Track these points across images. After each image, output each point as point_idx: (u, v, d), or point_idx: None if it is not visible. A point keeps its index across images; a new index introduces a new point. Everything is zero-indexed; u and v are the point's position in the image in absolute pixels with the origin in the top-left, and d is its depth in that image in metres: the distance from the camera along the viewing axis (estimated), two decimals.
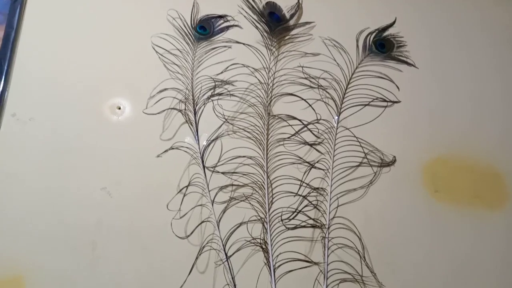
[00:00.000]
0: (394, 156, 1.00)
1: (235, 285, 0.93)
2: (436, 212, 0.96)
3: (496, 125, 1.03)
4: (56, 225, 0.98)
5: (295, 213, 0.96)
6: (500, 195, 0.98)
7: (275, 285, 0.92)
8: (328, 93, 1.05)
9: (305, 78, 1.06)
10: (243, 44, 1.10)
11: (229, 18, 1.13)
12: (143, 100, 1.06)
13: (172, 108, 1.05)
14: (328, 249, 0.94)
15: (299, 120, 1.03)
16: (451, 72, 1.08)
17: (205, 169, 1.00)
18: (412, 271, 0.93)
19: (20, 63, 1.10)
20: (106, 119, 1.06)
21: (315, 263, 0.93)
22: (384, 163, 1.00)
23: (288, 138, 1.01)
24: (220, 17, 1.13)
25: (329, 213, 0.96)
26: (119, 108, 1.07)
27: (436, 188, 0.98)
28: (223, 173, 0.99)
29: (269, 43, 1.09)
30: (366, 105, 1.04)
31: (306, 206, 0.97)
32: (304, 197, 0.97)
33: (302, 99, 1.04)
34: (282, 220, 0.96)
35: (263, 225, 0.95)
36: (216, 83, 1.06)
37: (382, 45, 1.10)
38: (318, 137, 1.02)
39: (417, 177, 0.99)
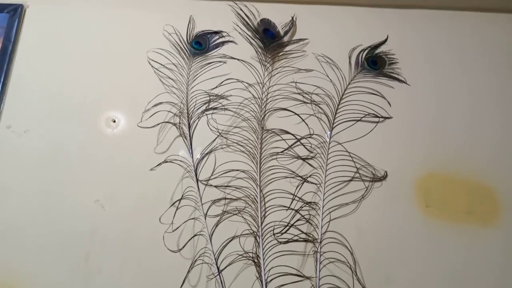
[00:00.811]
0: (386, 171, 1.01)
1: None
2: (428, 227, 0.97)
3: (488, 140, 1.04)
4: (49, 236, 0.98)
5: (288, 227, 0.96)
6: (492, 210, 0.98)
7: None
8: (321, 108, 1.07)
9: (299, 94, 1.08)
10: (238, 59, 1.11)
11: (224, 34, 1.15)
12: (138, 113, 1.07)
13: (166, 122, 1.06)
14: (320, 263, 0.94)
15: (292, 135, 1.04)
16: (442, 88, 1.09)
17: (199, 183, 1.00)
18: (406, 285, 0.93)
19: (16, 75, 1.12)
20: (101, 131, 1.07)
21: (307, 278, 0.93)
22: (376, 178, 1.01)
23: (281, 152, 1.02)
24: (216, 33, 1.15)
25: (321, 227, 0.97)
26: (114, 121, 1.08)
27: (428, 203, 0.99)
28: (216, 186, 1.00)
29: (263, 58, 1.11)
30: (358, 120, 1.06)
31: (298, 220, 0.97)
32: (297, 211, 0.98)
33: (295, 114, 1.06)
34: (274, 234, 0.96)
35: (256, 239, 0.96)
36: (211, 97, 1.08)
37: (374, 62, 1.12)
38: (311, 152, 1.03)
39: (409, 192, 1.00)
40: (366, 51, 1.13)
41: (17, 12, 1.16)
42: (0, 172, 1.04)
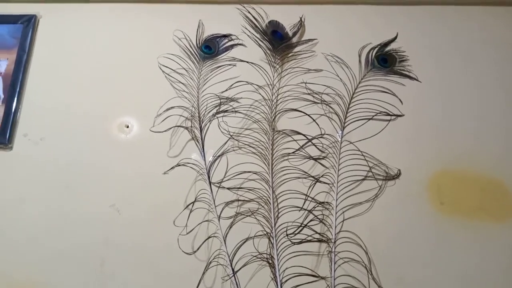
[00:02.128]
0: (399, 169, 1.01)
1: None
2: (443, 224, 0.96)
3: (499, 135, 1.02)
4: (65, 242, 1.00)
5: (301, 228, 0.96)
6: (506, 207, 0.97)
7: None
8: (331, 108, 1.06)
9: (309, 94, 1.08)
10: (247, 62, 1.12)
11: (233, 37, 1.16)
12: (150, 118, 1.08)
13: (178, 126, 1.07)
14: (334, 263, 0.94)
15: (303, 135, 1.04)
16: (454, 84, 1.08)
17: (211, 185, 1.01)
18: (420, 284, 0.92)
19: (31, 84, 1.15)
20: (115, 137, 1.09)
21: (322, 278, 0.93)
22: (389, 177, 1.00)
23: (293, 153, 1.03)
24: (225, 36, 1.16)
25: (335, 227, 0.96)
26: (127, 127, 1.09)
27: (442, 200, 0.98)
28: (229, 188, 1.00)
29: (273, 60, 1.12)
30: (369, 119, 1.05)
31: (311, 220, 0.97)
32: (310, 211, 0.98)
33: (306, 114, 1.06)
34: (288, 235, 0.96)
35: (269, 240, 0.96)
36: (222, 100, 1.08)
37: (385, 60, 1.11)
38: (323, 152, 1.03)
39: (423, 189, 0.99)
40: (376, 49, 1.12)
41: (30, 23, 1.18)
42: (17, 178, 1.06)
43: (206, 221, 0.99)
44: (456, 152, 1.02)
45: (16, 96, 1.11)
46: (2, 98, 1.11)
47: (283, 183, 1.00)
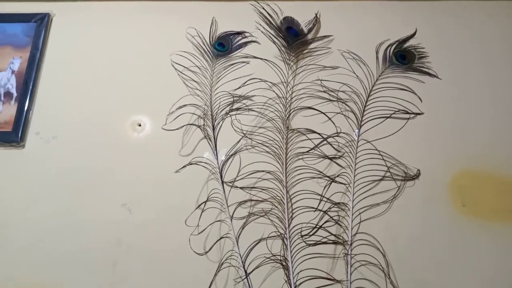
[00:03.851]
0: (418, 170, 0.97)
1: None
2: (464, 227, 0.92)
3: None
4: (76, 243, 0.98)
5: (316, 229, 0.93)
6: None
7: None
8: (348, 106, 1.03)
9: (324, 92, 1.05)
10: (261, 59, 1.10)
11: (247, 34, 1.14)
12: (163, 116, 1.07)
13: (191, 124, 1.05)
14: (351, 266, 0.90)
15: (319, 134, 1.01)
16: (475, 82, 1.05)
17: (224, 184, 0.99)
18: None
19: (44, 82, 1.14)
20: (127, 136, 1.07)
21: (338, 281, 0.90)
22: (408, 177, 0.97)
23: (308, 152, 1.00)
24: (238, 33, 1.14)
25: (351, 229, 0.93)
26: (140, 125, 1.08)
27: (464, 202, 0.94)
28: (241, 188, 0.98)
29: (287, 57, 1.09)
30: (387, 117, 1.02)
31: (327, 221, 0.94)
32: (325, 212, 0.95)
33: (322, 112, 1.03)
34: (302, 236, 0.93)
35: (283, 241, 0.93)
36: (235, 98, 1.06)
37: (403, 57, 1.08)
38: (339, 151, 1.00)
39: (443, 190, 0.95)
40: (394, 45, 1.09)
41: (44, 21, 1.18)
42: (29, 177, 1.05)
43: (218, 221, 0.96)
44: (478, 152, 0.98)
45: (29, 94, 1.11)
46: (15, 96, 1.11)
47: (298, 183, 0.98)
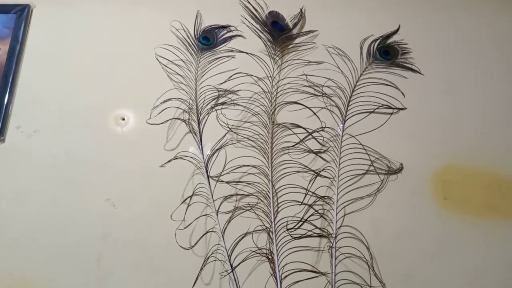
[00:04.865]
0: (401, 164, 0.99)
1: None
2: (446, 220, 0.94)
3: (506, 130, 1.01)
4: (61, 238, 0.97)
5: (301, 223, 0.94)
6: None
7: None
8: (332, 101, 1.04)
9: (309, 86, 1.06)
10: (247, 53, 1.09)
11: (232, 28, 1.13)
12: (147, 110, 1.06)
13: (176, 118, 1.04)
14: (335, 259, 0.92)
15: (304, 128, 1.01)
16: (457, 77, 1.07)
17: (209, 179, 0.99)
18: (423, 280, 0.90)
19: (24, 75, 1.11)
20: (110, 130, 1.06)
21: (323, 274, 0.91)
22: (391, 171, 0.98)
23: (293, 146, 1.00)
24: (223, 27, 1.14)
25: (336, 222, 0.94)
26: (123, 119, 1.07)
27: (445, 196, 0.96)
28: (227, 182, 0.98)
29: (273, 52, 1.09)
30: (371, 112, 1.03)
31: (312, 215, 0.95)
32: (310, 206, 0.96)
33: (307, 107, 1.03)
34: (288, 230, 0.94)
35: (269, 235, 0.94)
36: (220, 92, 1.06)
37: (387, 52, 1.09)
38: (323, 145, 1.01)
39: (426, 184, 0.97)
40: (378, 41, 1.10)
41: (24, 13, 1.15)
42: (11, 172, 1.03)
43: (204, 215, 0.96)
44: (461, 147, 1.00)
45: (8, 87, 1.09)
46: None
47: (283, 177, 0.98)
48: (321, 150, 1.00)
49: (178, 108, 1.05)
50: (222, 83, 1.07)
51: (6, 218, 0.99)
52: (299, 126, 1.02)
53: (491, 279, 0.90)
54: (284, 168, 0.99)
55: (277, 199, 0.96)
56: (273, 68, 1.08)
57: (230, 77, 1.07)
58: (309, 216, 0.95)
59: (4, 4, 1.17)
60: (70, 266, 0.95)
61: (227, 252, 0.93)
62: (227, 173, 0.99)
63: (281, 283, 0.90)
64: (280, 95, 1.05)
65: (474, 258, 0.91)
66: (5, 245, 0.97)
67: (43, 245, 0.97)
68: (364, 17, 1.13)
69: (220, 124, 1.03)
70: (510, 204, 0.95)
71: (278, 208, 0.96)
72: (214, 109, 1.05)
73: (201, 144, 1.02)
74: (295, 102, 1.04)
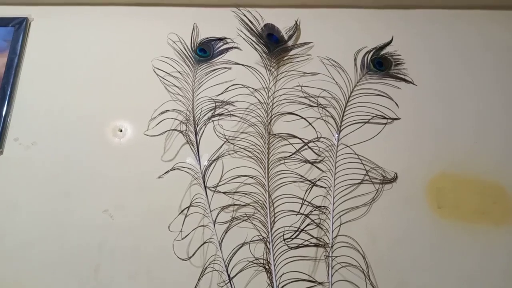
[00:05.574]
0: (396, 173, 1.00)
1: None
2: (441, 228, 0.95)
3: (498, 138, 1.02)
4: (58, 248, 0.97)
5: (298, 232, 0.95)
6: (506, 210, 0.96)
7: None
8: (327, 111, 1.06)
9: (305, 97, 1.07)
10: (243, 65, 1.11)
11: (228, 40, 1.15)
12: (145, 122, 1.07)
13: (173, 130, 1.06)
14: (332, 268, 0.93)
15: (300, 139, 1.03)
16: (450, 87, 1.08)
17: (207, 189, 0.99)
18: (418, 287, 0.92)
19: (22, 88, 1.12)
20: (107, 141, 1.07)
21: (319, 283, 0.92)
22: (386, 180, 1.00)
23: (289, 156, 1.02)
24: (220, 39, 1.15)
25: (332, 231, 0.95)
26: (121, 131, 1.08)
27: (440, 204, 0.97)
28: (224, 193, 0.99)
29: (268, 63, 1.11)
30: (366, 122, 1.05)
31: (308, 224, 0.96)
32: (307, 215, 0.97)
33: (302, 117, 1.05)
34: (284, 240, 0.95)
35: (266, 245, 0.95)
36: (217, 103, 1.07)
37: (380, 63, 1.11)
38: (319, 155, 1.02)
39: (420, 193, 0.98)
40: (372, 52, 1.12)
41: (22, 26, 1.16)
42: (8, 184, 1.03)
43: (201, 226, 0.97)
44: (455, 155, 1.01)
45: (6, 99, 1.09)
46: None
47: (280, 187, 0.99)
48: (317, 160, 1.02)
49: (175, 119, 1.07)
50: (219, 94, 1.08)
51: (4, 228, 1.00)
52: (295, 137, 1.03)
53: (485, 285, 0.91)
54: (281, 178, 1.00)
55: (273, 209, 0.97)
56: (269, 80, 1.09)
57: (227, 88, 1.09)
58: (306, 226, 0.96)
59: (2, 17, 1.18)
60: (68, 276, 0.95)
61: (225, 263, 0.93)
62: (224, 183, 1.00)
63: None
64: (276, 106, 1.07)
65: (468, 264, 0.92)
66: (3, 255, 0.97)
67: (41, 255, 0.97)
68: (358, 29, 1.15)
69: (217, 135, 1.04)
70: (502, 210, 0.96)
71: (275, 218, 0.97)
72: (211, 120, 1.06)
73: (198, 154, 1.03)
74: (291, 113, 1.06)
